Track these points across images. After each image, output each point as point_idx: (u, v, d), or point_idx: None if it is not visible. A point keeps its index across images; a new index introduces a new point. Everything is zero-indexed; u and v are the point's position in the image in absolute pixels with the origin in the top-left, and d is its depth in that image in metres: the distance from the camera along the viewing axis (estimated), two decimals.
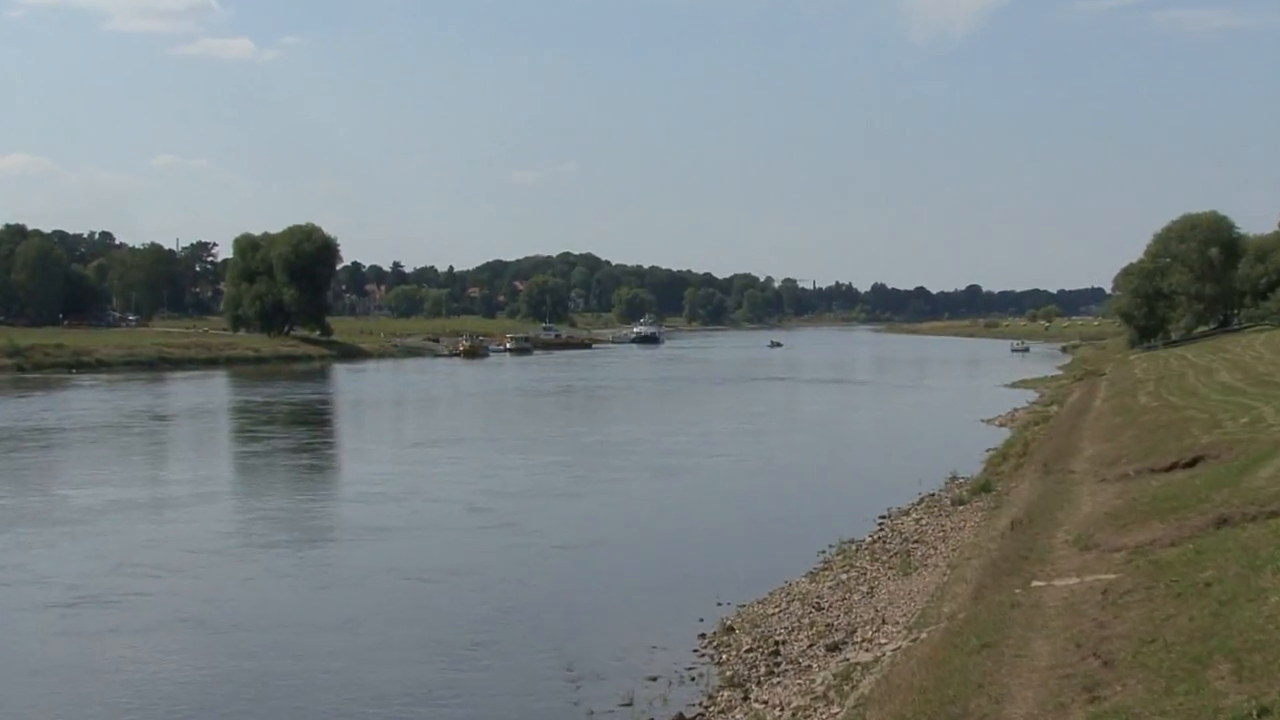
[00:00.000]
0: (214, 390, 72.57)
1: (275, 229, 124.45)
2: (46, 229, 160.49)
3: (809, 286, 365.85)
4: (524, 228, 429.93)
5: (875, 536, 23.12)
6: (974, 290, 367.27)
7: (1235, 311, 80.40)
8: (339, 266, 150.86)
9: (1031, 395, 60.56)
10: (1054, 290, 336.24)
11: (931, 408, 60.21)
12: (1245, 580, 10.15)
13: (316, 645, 16.72)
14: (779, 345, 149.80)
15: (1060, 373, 77.44)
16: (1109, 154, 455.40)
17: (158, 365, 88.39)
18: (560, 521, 26.57)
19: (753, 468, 36.21)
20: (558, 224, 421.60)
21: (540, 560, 22.31)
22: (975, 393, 68.79)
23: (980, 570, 14.97)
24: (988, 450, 35.26)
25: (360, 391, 75.61)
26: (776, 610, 17.63)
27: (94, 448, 41.36)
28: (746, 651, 15.65)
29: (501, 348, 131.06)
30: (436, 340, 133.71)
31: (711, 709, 13.69)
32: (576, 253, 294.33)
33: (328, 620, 18.00)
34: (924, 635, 12.62)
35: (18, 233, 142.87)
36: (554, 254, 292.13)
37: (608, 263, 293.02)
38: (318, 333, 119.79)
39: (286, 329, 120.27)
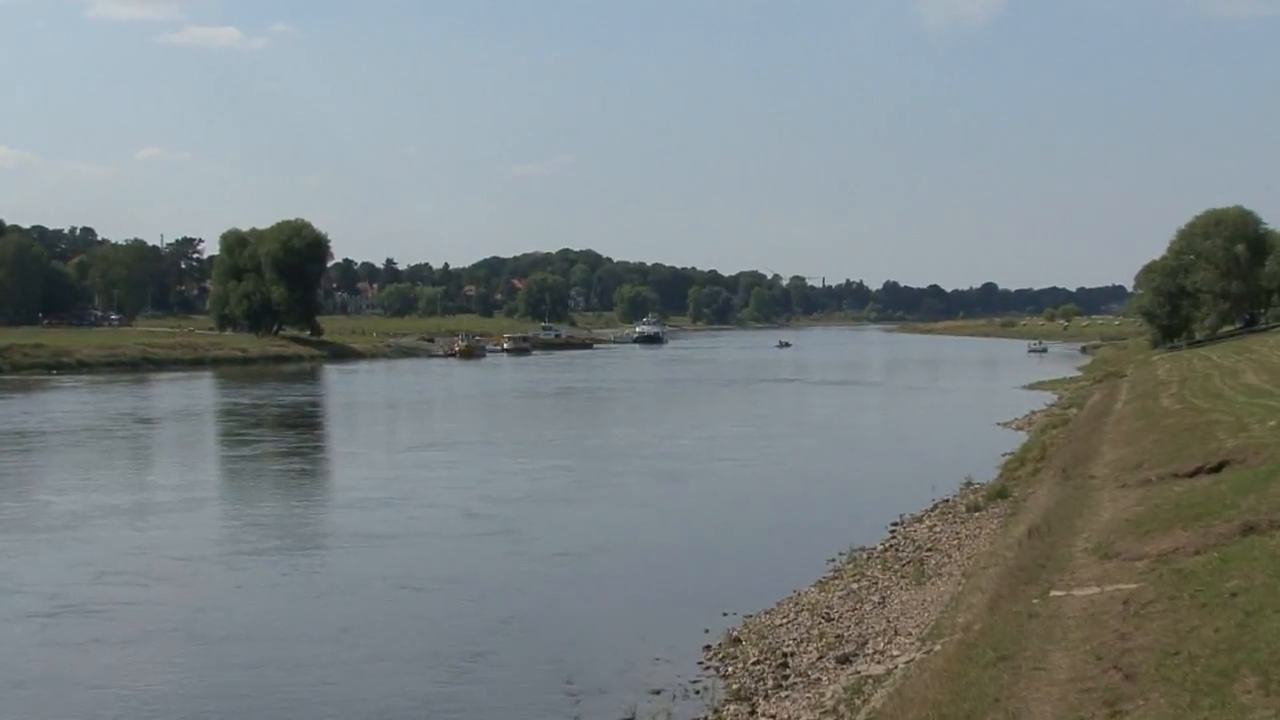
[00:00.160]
0: (200, 392, 72.65)
1: (264, 224, 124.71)
2: (25, 224, 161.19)
3: (818, 285, 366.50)
4: (522, 223, 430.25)
5: (887, 544, 23.14)
6: (990, 288, 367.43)
7: (1262, 310, 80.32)
8: (330, 264, 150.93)
9: (1050, 397, 60.57)
10: (1073, 288, 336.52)
11: (946, 410, 60.21)
12: (1272, 590, 10.17)
13: (309, 656, 16.76)
14: (787, 345, 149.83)
15: (1080, 374, 77.41)
16: (1131, 146, 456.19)
17: (141, 366, 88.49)
18: (560, 528, 26.61)
19: (760, 473, 36.24)
20: (557, 219, 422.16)
21: (540, 568, 22.35)
22: (991, 395, 68.75)
23: (996, 579, 14.99)
24: (1004, 454, 35.28)
25: (352, 393, 75.68)
26: (784, 621, 17.66)
27: (76, 452, 41.42)
28: (753, 664, 15.67)
29: (499, 348, 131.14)
30: (431, 340, 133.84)
31: None
32: (577, 249, 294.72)
33: (321, 631, 18.04)
34: (938, 647, 12.65)
35: None
36: (553, 251, 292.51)
37: (609, 260, 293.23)
38: (308, 332, 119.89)
39: (275, 329, 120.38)
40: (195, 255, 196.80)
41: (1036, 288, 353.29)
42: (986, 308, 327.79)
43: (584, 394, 74.09)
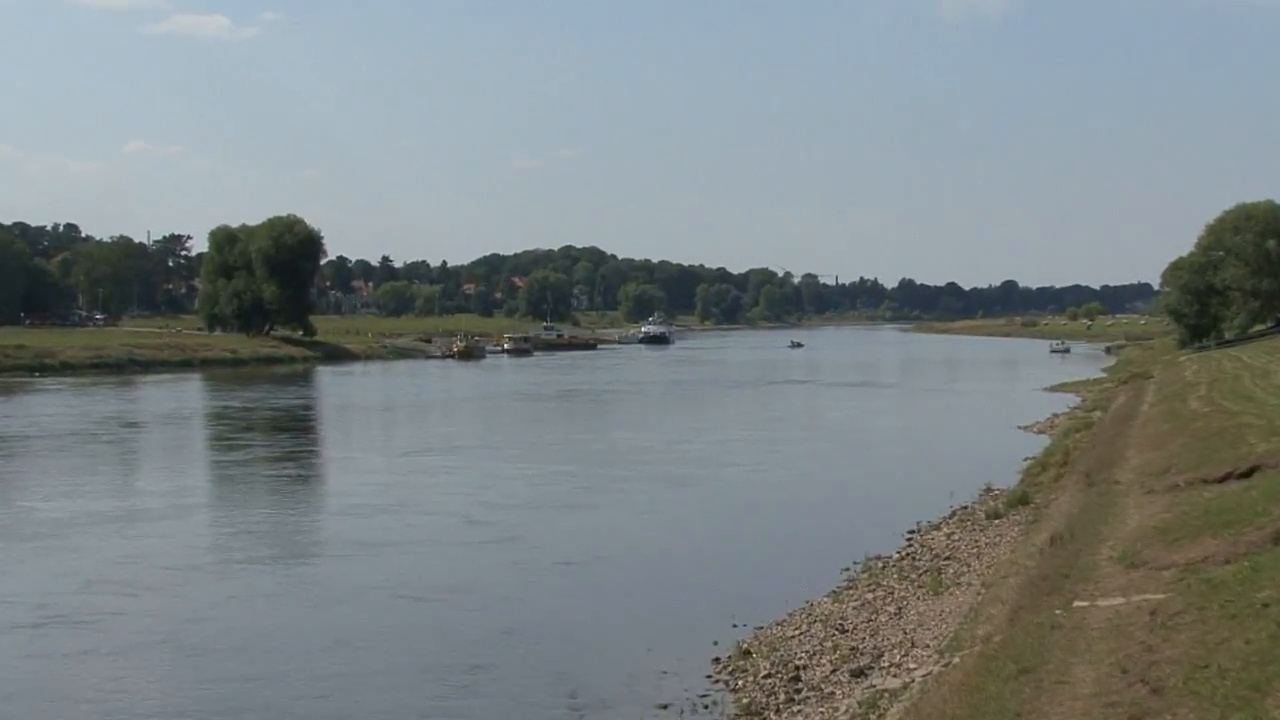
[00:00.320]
0: (189, 395, 72.81)
1: (254, 220, 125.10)
2: (6, 221, 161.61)
3: (831, 282, 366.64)
4: (523, 219, 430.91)
5: (903, 552, 23.17)
6: (1010, 286, 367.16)
7: None
8: (323, 261, 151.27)
9: (1073, 399, 60.55)
10: (1097, 286, 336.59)
11: (964, 413, 60.19)
12: None
13: (304, 669, 16.82)
14: (799, 346, 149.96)
15: (1104, 375, 77.33)
16: (1158, 138, 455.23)
17: (127, 368, 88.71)
18: (563, 536, 26.66)
19: (771, 478, 36.26)
20: (560, 215, 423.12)
21: (542, 578, 22.40)
22: (1011, 397, 68.73)
23: (1018, 589, 15.01)
24: (1025, 459, 35.28)
25: (347, 396, 75.81)
26: (797, 632, 17.69)
27: (61, 457, 41.55)
28: (764, 677, 15.69)
29: (499, 349, 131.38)
30: (429, 341, 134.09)
31: None
32: (580, 246, 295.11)
33: (316, 642, 18.10)
34: (957, 660, 12.67)
35: None
36: (555, 247, 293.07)
37: (614, 257, 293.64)
38: (300, 333, 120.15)
39: (267, 329, 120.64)
40: (183, 252, 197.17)
41: (1059, 285, 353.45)
42: (1007, 306, 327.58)
43: (587, 396, 74.15)
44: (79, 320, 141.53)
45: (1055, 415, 51.56)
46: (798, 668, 15.87)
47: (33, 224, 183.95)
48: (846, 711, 13.37)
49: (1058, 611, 12.31)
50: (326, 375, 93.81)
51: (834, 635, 17.21)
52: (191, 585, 21.78)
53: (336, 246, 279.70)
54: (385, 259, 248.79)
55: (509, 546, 25.20)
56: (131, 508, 30.53)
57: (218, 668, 16.83)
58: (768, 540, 26.55)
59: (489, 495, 32.21)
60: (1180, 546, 14.16)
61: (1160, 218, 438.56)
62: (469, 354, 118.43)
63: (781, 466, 38.98)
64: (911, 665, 14.49)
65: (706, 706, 15.00)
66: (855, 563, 22.37)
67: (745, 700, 14.90)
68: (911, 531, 25.73)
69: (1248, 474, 19.44)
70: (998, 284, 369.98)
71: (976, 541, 23.09)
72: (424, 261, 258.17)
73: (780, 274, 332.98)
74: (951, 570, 20.63)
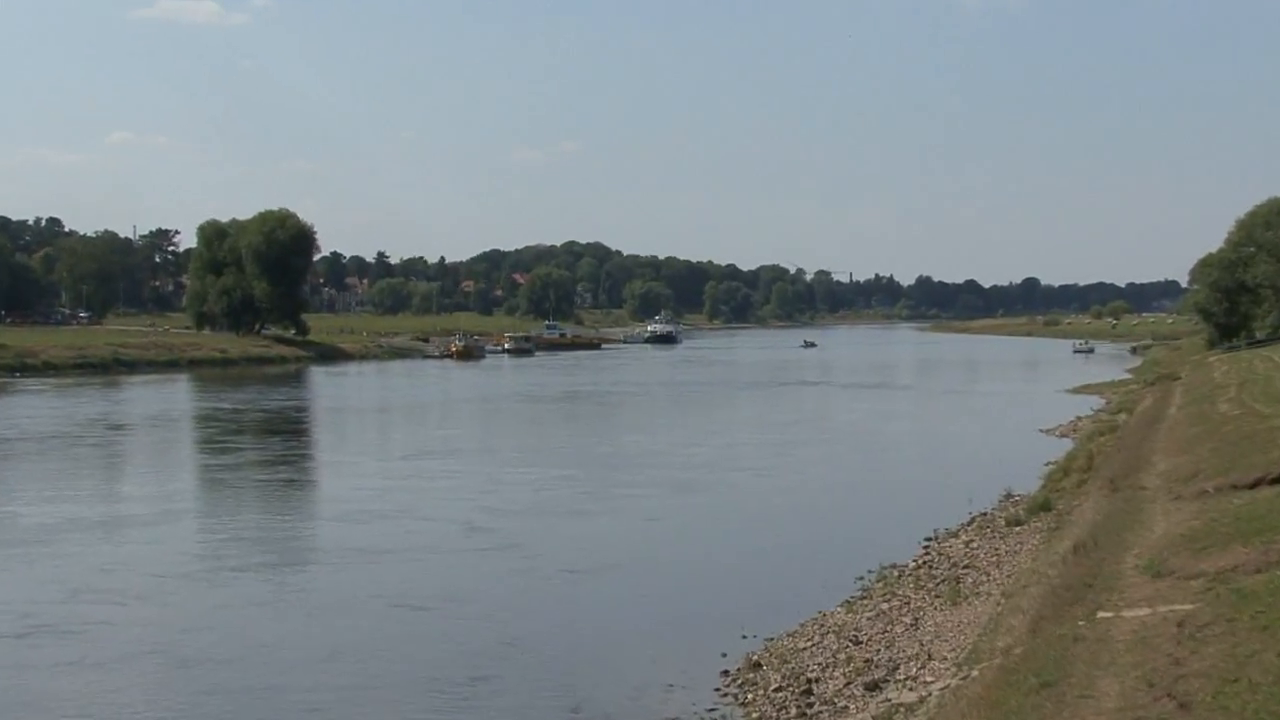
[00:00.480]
0: (176, 396, 72.99)
1: (245, 215, 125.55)
2: None
3: (845, 279, 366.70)
4: (525, 214, 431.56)
5: (920, 561, 23.21)
6: (1031, 284, 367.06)
7: None
8: (316, 257, 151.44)
9: (1097, 402, 60.54)
10: (1122, 284, 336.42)
11: (984, 416, 60.21)
12: None
13: (298, 681, 16.89)
14: (813, 345, 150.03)
15: (1129, 376, 77.34)
16: (1186, 130, 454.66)
17: (112, 368, 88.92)
18: (567, 543, 26.74)
19: (782, 484, 36.32)
20: (562, 210, 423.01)
21: (545, 587, 22.47)
22: (1033, 399, 68.78)
23: (1039, 599, 15.04)
24: (1047, 464, 35.31)
25: (341, 397, 75.95)
26: (809, 644, 17.74)
27: (44, 460, 41.70)
28: (775, 691, 15.74)
29: (499, 348, 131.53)
30: (426, 340, 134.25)
31: None
32: (583, 242, 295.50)
33: (310, 653, 18.18)
34: (975, 673, 12.71)
35: None
36: (558, 243, 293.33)
37: (618, 253, 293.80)
38: (293, 331, 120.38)
39: (257, 327, 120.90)
40: (171, 248, 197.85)
41: (1082, 283, 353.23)
42: (1028, 305, 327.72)
43: (592, 398, 74.25)
44: (62, 318, 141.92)
45: (1078, 418, 51.58)
46: (810, 681, 15.91)
47: (13, 218, 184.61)
48: None
49: (1081, 623, 12.34)
50: (320, 376, 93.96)
51: (848, 647, 17.26)
52: (182, 594, 21.88)
53: (330, 242, 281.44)
54: (381, 255, 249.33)
55: (510, 554, 25.27)
56: (119, 513, 30.65)
57: (209, 679, 16.91)
58: (778, 548, 26.60)
59: (490, 501, 32.29)
60: (1209, 555, 14.18)
61: (1188, 212, 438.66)
62: (468, 354, 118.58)
63: (793, 471, 39.03)
64: (928, 678, 14.53)
65: None
66: (870, 571, 22.41)
67: (755, 715, 14.95)
68: (928, 539, 25.78)
69: None
70: (1018, 281, 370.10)
71: (996, 549, 23.13)
72: (421, 257, 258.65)
73: (792, 271, 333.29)
74: (970, 579, 20.66)
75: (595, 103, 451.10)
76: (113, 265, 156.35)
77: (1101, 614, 12.50)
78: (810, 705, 15.06)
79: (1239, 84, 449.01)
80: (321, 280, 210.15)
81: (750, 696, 15.75)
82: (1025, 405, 64.26)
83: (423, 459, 42.10)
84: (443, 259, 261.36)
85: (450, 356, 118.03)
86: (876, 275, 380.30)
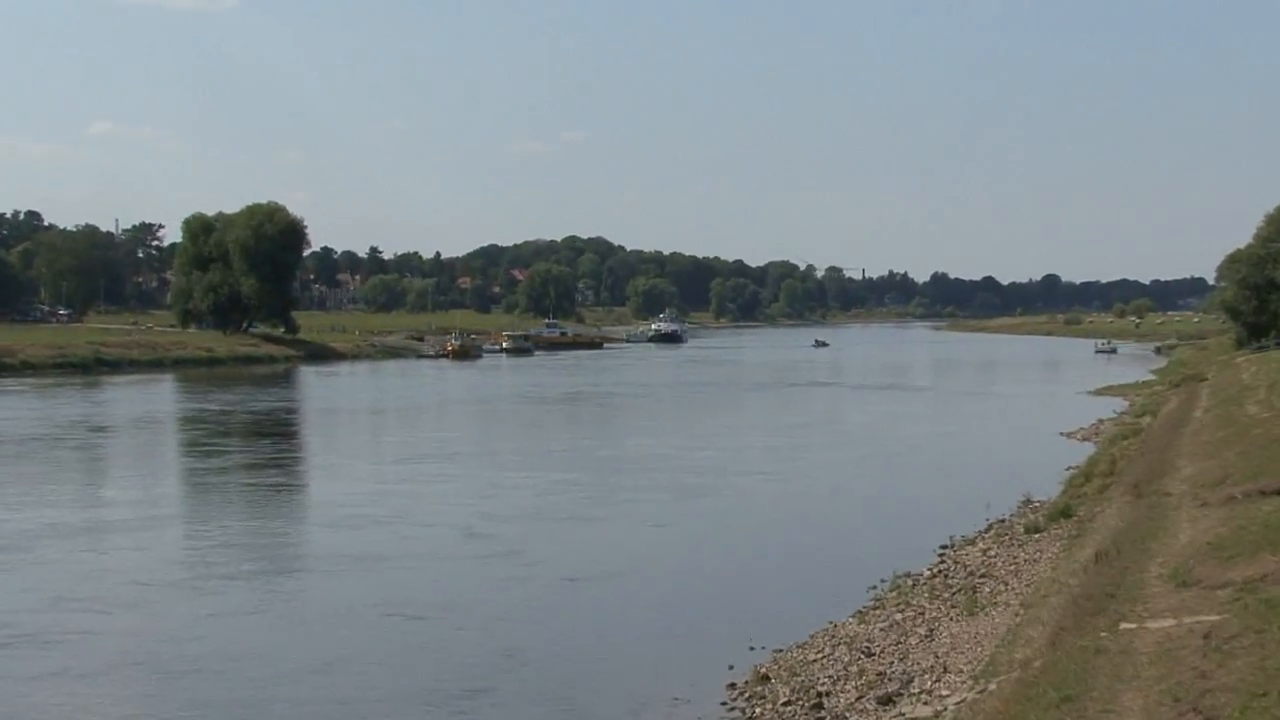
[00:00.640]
0: (161, 397, 73.09)
1: (232, 208, 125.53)
2: None
3: (857, 276, 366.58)
4: (524, 207, 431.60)
5: (935, 570, 23.26)
6: (1052, 280, 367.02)
7: None
8: (307, 252, 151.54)
9: (1120, 404, 60.57)
10: (1146, 281, 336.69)
11: (1002, 419, 60.25)
12: None
13: (289, 693, 16.96)
14: (824, 345, 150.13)
15: (1153, 377, 77.33)
16: (1213, 121, 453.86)
17: (93, 368, 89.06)
18: (569, 550, 26.82)
19: (792, 489, 36.37)
20: (563, 203, 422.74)
21: (545, 595, 22.53)
22: (1053, 401, 68.81)
23: (1059, 610, 15.09)
24: (1068, 469, 35.35)
25: (333, 398, 76.04)
26: (819, 656, 17.78)
27: (23, 463, 41.80)
28: (784, 704, 15.79)
29: (497, 347, 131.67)
30: (421, 339, 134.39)
31: None
32: (585, 236, 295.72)
33: (302, 664, 18.25)
34: (993, 686, 12.76)
35: None
36: (559, 238, 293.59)
37: (621, 248, 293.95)
38: (282, 330, 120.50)
39: (245, 325, 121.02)
40: (154, 243, 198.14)
41: (1104, 280, 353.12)
42: (1048, 302, 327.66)
43: (594, 400, 74.31)
44: (41, 316, 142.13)
45: (1100, 421, 51.61)
46: (820, 694, 15.95)
47: None
48: None
49: (1103, 634, 12.38)
50: (310, 376, 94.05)
51: (859, 659, 17.30)
52: (168, 602, 21.94)
53: (321, 237, 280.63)
54: (374, 250, 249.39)
55: (510, 561, 25.33)
56: (102, 519, 30.75)
57: (197, 691, 16.96)
58: (788, 556, 26.66)
59: (488, 506, 32.36)
60: (1236, 564, 14.22)
61: (1216, 206, 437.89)
62: (464, 353, 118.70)
63: (803, 476, 39.08)
64: (944, 692, 14.57)
65: None
66: (883, 580, 22.46)
67: None
68: (944, 547, 25.82)
69: None
70: (1038, 278, 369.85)
71: (1015, 558, 23.17)
72: (416, 253, 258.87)
73: (802, 267, 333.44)
74: (987, 589, 20.71)
75: (599, 91, 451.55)
76: (94, 261, 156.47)
77: (1124, 625, 12.54)
78: (821, 719, 15.10)
79: (1270, 73, 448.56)
80: (312, 276, 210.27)
81: (758, 711, 15.79)
82: (1045, 407, 64.29)
83: (418, 463, 42.16)
84: (438, 254, 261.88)
85: (446, 356, 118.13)
86: (890, 272, 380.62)
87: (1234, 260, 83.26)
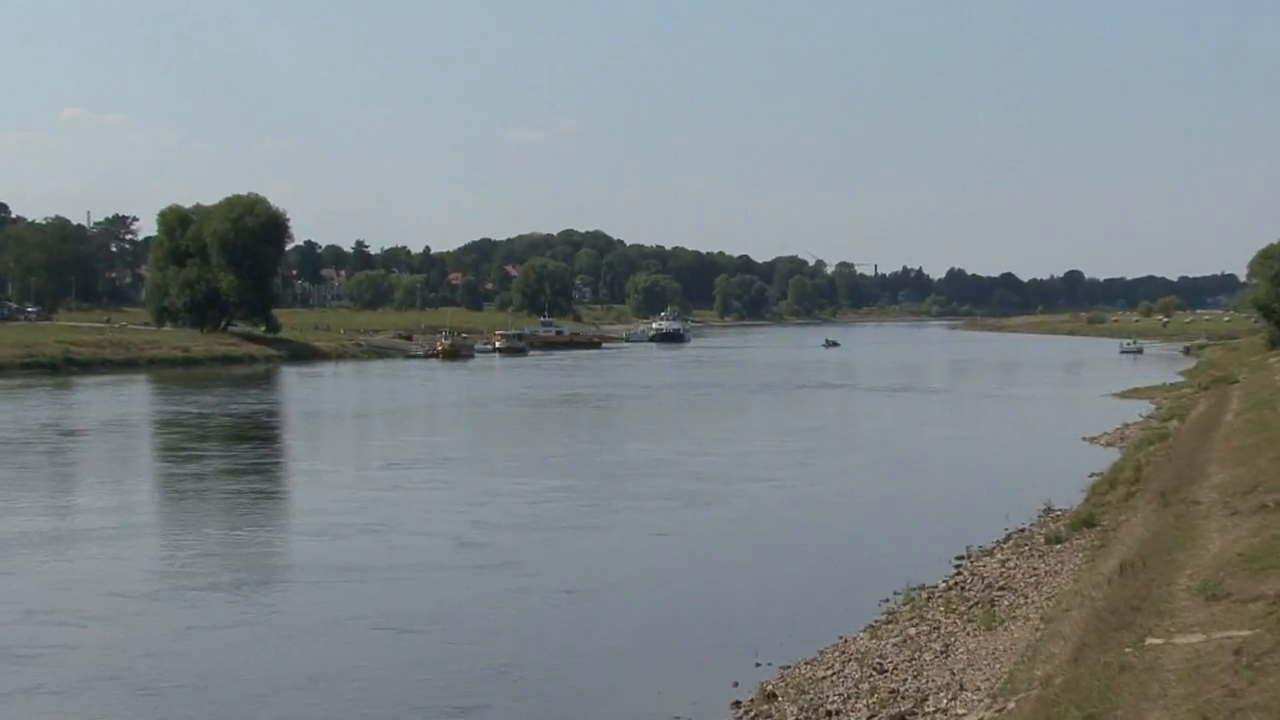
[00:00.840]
0: (135, 399, 73.18)
1: (210, 200, 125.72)
2: None
3: (869, 273, 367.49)
4: (518, 199, 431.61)
5: (951, 581, 23.32)
6: (1074, 277, 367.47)
7: None
8: (289, 247, 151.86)
9: (1146, 407, 60.64)
10: (1174, 277, 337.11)
11: (1022, 423, 60.30)
12: None
13: (272, 710, 17.02)
14: (835, 345, 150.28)
15: (1182, 379, 77.43)
16: (1245, 109, 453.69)
17: (63, 368, 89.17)
18: (566, 561, 26.89)
19: (801, 496, 36.43)
20: (560, 195, 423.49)
21: (542, 608, 22.59)
22: (1076, 404, 68.88)
23: (1082, 624, 15.14)
24: (1091, 475, 35.41)
25: (316, 401, 76.12)
26: (829, 673, 17.84)
27: None
28: None
29: (489, 347, 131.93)
30: (409, 338, 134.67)
31: None
32: (583, 230, 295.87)
33: (286, 679, 18.30)
34: (1012, 705, 12.81)
35: None
36: (555, 232, 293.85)
37: (621, 243, 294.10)
38: (262, 328, 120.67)
39: (224, 324, 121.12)
40: (128, 236, 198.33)
41: (1130, 276, 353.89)
42: (1070, 300, 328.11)
43: (592, 402, 74.39)
44: (8, 313, 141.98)
45: (1125, 425, 51.67)
46: (830, 713, 16.00)
47: None
48: None
49: (1128, 650, 12.43)
50: (292, 377, 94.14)
51: (871, 676, 17.36)
52: (145, 615, 22.00)
53: (304, 230, 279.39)
54: (360, 244, 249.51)
55: (504, 572, 25.38)
56: (75, 527, 30.79)
57: (175, 708, 17.01)
58: (796, 568, 26.71)
59: (481, 514, 32.42)
60: (1269, 576, 14.26)
61: (1247, 200, 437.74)
62: (455, 353, 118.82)
63: (813, 483, 39.12)
64: (960, 711, 14.63)
65: None
66: (896, 593, 22.52)
67: None
68: (960, 558, 25.88)
69: None
70: (1060, 274, 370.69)
71: (1035, 569, 23.24)
72: (404, 247, 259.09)
73: (811, 263, 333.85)
74: (1006, 602, 20.77)
75: (597, 77, 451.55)
76: (64, 255, 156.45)
77: (1151, 640, 12.59)
78: None
79: None
80: (294, 272, 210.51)
81: None
82: (1067, 411, 64.33)
83: (407, 468, 42.23)
84: (428, 249, 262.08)
85: (435, 356, 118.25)
86: (904, 268, 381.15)
87: (1267, 256, 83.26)
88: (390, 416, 65.27)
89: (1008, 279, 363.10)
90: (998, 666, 16.43)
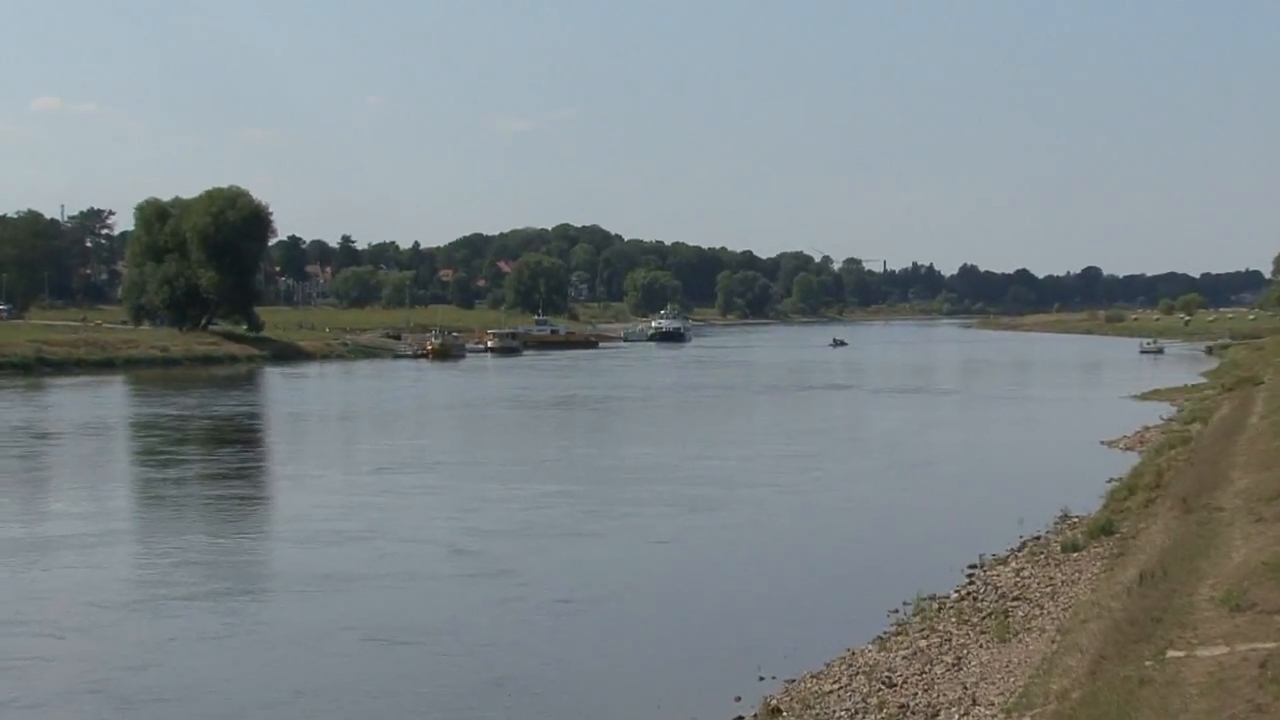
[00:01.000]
0: (111, 400, 73.17)
1: (190, 193, 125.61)
2: None
3: (878, 269, 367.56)
4: (511, 192, 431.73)
5: (963, 591, 23.36)
6: (1092, 274, 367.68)
7: None
8: (272, 242, 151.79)
9: (1167, 410, 60.64)
10: (1196, 274, 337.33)
11: (1037, 425, 60.36)
12: None
13: None
14: (842, 344, 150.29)
15: (1204, 380, 77.47)
16: (1269, 101, 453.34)
17: (36, 368, 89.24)
18: (562, 569, 26.92)
19: (807, 502, 36.46)
20: (555, 188, 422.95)
21: (538, 618, 22.62)
22: (1094, 406, 68.93)
23: (1100, 636, 15.18)
24: (1109, 481, 35.48)
25: (301, 403, 76.09)
26: (835, 687, 17.87)
27: None
28: None
29: (481, 347, 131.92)
30: (398, 337, 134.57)
31: None
32: (579, 225, 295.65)
33: (270, 693, 18.35)
34: None
35: None
36: (549, 226, 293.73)
37: (619, 238, 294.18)
38: (244, 327, 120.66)
39: (204, 322, 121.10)
40: (104, 231, 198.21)
41: (1150, 273, 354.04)
42: (1088, 298, 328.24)
43: (589, 404, 74.41)
44: None
45: (1146, 428, 51.69)
46: None
47: None
48: None
49: (1148, 663, 12.46)
50: (275, 378, 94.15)
51: (880, 690, 17.39)
52: (125, 626, 22.03)
53: (288, 225, 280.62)
54: (346, 239, 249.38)
55: (498, 581, 25.42)
56: (51, 534, 30.81)
57: None
58: (802, 576, 26.76)
59: (474, 520, 32.46)
60: None
61: (1272, 194, 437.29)
62: (445, 353, 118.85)
63: (819, 488, 39.16)
64: None
65: None
66: (905, 603, 22.54)
67: None
68: (973, 566, 25.92)
69: None
70: (1077, 271, 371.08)
71: (1051, 579, 23.28)
72: (392, 243, 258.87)
73: (817, 259, 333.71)
74: (1021, 613, 20.82)
75: (593, 63, 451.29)
76: (37, 251, 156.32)
77: (1172, 653, 12.63)
78: None
79: None
80: (278, 269, 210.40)
81: None
82: (1085, 413, 64.38)
83: (396, 473, 42.26)
84: (417, 244, 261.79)
85: (425, 356, 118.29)
86: (914, 264, 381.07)
87: None
88: (378, 419, 65.28)
89: (1022, 276, 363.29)
90: (1012, 680, 16.47)
